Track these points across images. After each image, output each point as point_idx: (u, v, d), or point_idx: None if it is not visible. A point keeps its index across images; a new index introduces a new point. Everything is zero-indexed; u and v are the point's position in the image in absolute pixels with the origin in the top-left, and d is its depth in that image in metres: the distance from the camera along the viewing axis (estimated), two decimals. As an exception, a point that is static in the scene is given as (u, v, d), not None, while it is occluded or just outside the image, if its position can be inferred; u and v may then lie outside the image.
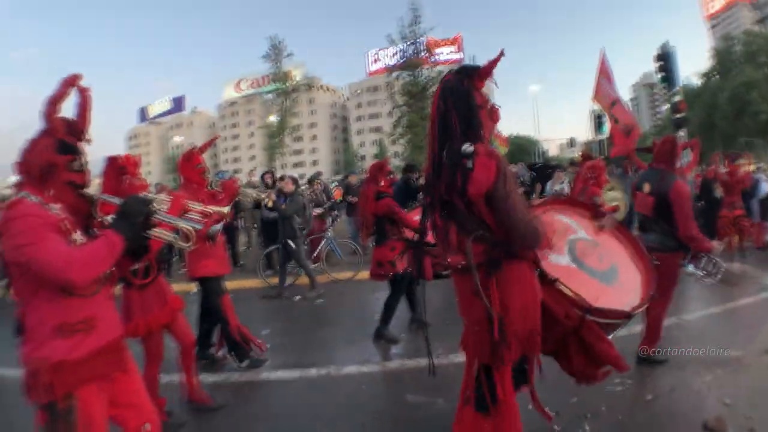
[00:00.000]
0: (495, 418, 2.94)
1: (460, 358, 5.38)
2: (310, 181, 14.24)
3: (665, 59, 15.56)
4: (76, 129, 2.69)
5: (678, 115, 15.72)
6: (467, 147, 2.84)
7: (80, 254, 2.36)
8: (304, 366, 5.79)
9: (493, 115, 3.06)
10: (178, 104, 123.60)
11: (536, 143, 66.10)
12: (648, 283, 3.75)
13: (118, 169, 3.97)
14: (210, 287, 5.63)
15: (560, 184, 12.12)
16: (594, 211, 4.16)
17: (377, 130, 68.12)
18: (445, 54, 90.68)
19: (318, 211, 12.57)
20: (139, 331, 4.07)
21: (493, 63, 2.97)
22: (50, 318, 2.44)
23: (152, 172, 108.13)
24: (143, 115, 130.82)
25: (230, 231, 11.83)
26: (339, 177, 32.34)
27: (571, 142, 38.04)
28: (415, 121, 38.03)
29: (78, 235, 2.54)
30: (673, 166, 5.25)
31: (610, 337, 3.57)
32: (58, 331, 2.45)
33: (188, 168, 5.46)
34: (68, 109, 2.68)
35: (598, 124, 21.96)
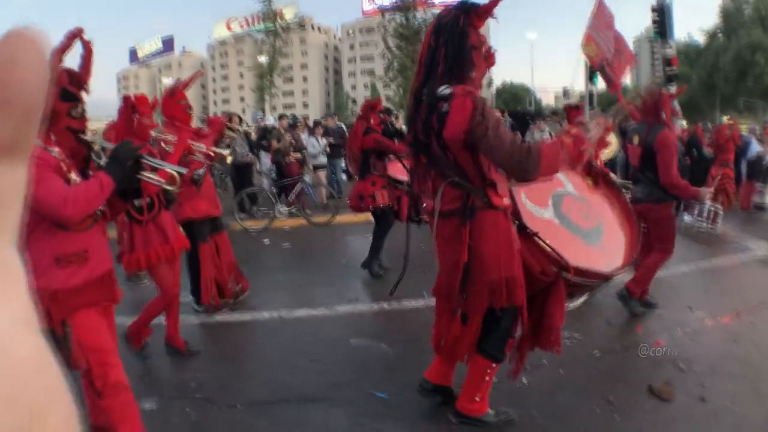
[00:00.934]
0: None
1: (413, 303, 5.54)
2: (292, 126, 14.00)
3: (660, 12, 15.28)
4: (79, 79, 2.91)
5: (669, 70, 15.52)
6: (444, 89, 2.83)
7: (74, 192, 2.58)
8: (257, 309, 5.76)
9: (489, 58, 3.00)
10: (168, 45, 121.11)
11: (530, 92, 65.52)
12: (632, 247, 3.61)
13: (130, 107, 4.24)
14: (197, 230, 5.36)
15: (540, 133, 11.97)
16: (588, 168, 4.01)
17: (370, 73, 67.41)
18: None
19: (296, 155, 12.40)
20: (141, 264, 4.31)
21: (495, 2, 2.89)
22: (48, 250, 2.68)
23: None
24: (133, 56, 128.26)
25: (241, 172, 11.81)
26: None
27: (565, 93, 37.48)
28: (407, 65, 37.16)
29: (74, 176, 2.77)
30: (660, 118, 5.21)
31: (582, 298, 3.48)
32: (56, 262, 2.69)
33: (172, 105, 5.29)
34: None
35: (591, 74, 21.52)
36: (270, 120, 15.23)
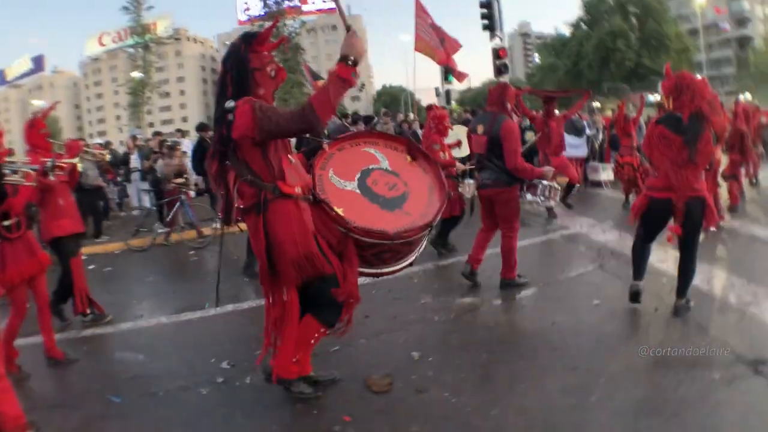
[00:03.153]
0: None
1: (192, 315, 5.97)
2: (170, 148, 13.58)
3: (488, 6, 15.85)
4: None
5: (499, 61, 16.08)
6: (229, 103, 3.34)
7: None
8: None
9: (277, 75, 3.53)
10: (38, 64, 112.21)
11: (405, 92, 66.50)
12: (438, 210, 4.00)
13: None
14: (64, 247, 5.86)
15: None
16: (408, 146, 4.42)
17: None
18: (318, 2, 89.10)
19: (178, 180, 11.95)
20: (14, 280, 4.59)
21: (269, 30, 3.53)
22: None
23: (14, 140, 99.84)
24: (1, 77, 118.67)
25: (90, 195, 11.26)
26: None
27: (437, 92, 38.17)
28: None
29: None
30: (505, 109, 5.80)
31: (405, 262, 4.02)
32: None
33: (33, 134, 5.81)
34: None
35: (445, 74, 21.89)
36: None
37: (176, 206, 11.31)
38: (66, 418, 3.92)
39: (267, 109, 3.28)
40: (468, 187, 6.69)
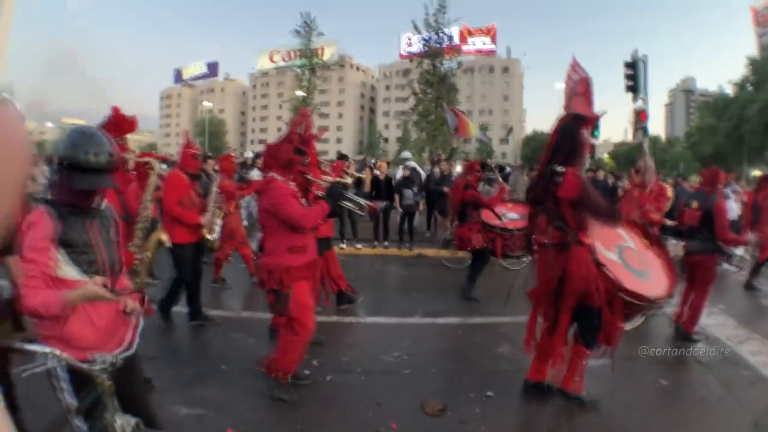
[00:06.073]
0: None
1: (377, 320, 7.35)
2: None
3: (633, 67, 15.75)
4: (305, 140, 4.71)
5: (638, 123, 15.30)
6: (560, 168, 4.45)
7: (308, 212, 4.38)
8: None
9: (588, 149, 4.71)
10: (212, 69, 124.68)
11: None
12: (670, 289, 4.88)
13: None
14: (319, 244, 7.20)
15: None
16: (644, 231, 5.60)
17: (403, 113, 69.13)
18: (479, 44, 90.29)
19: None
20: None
21: (597, 117, 4.91)
22: (284, 243, 4.43)
23: (180, 134, 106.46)
24: (178, 76, 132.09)
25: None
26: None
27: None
28: (430, 110, 37.56)
29: (303, 201, 4.53)
30: (716, 189, 6.94)
31: (634, 322, 5.11)
32: (288, 250, 4.42)
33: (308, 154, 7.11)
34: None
35: (591, 129, 20.35)
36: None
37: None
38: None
39: (590, 188, 4.42)
40: (671, 247, 7.36)
